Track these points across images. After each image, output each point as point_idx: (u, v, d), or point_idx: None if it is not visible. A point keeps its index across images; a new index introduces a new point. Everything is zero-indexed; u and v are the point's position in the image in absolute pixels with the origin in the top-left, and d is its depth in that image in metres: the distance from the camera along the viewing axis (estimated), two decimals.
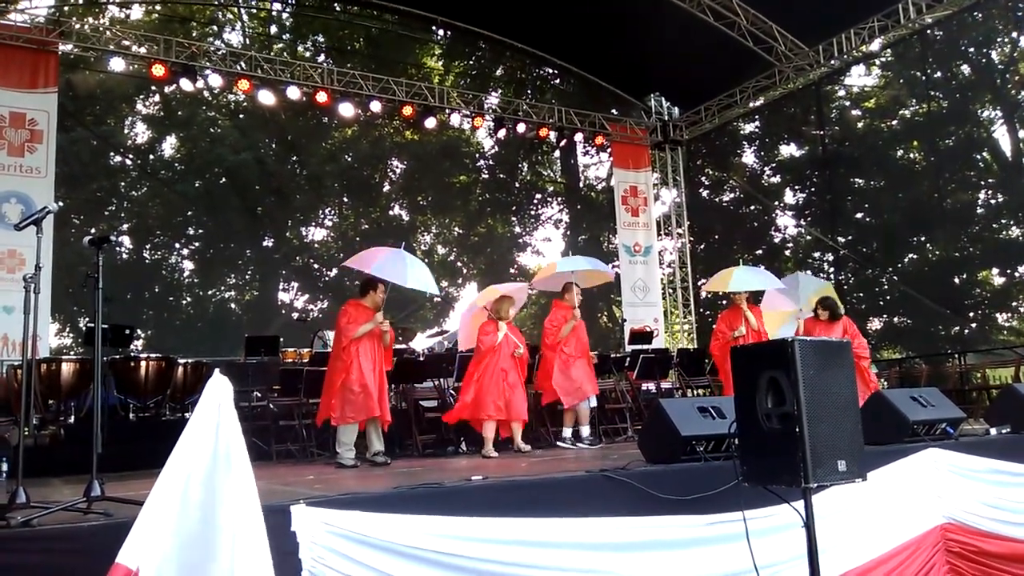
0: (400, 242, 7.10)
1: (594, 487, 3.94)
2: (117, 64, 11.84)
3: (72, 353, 13.44)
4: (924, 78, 14.95)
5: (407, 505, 3.34)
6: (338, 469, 6.13)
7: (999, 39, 15.26)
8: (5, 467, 6.30)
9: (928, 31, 13.08)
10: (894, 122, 16.98)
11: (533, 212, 22.19)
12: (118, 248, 17.65)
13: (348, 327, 6.42)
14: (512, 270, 22.16)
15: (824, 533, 3.44)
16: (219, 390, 2.06)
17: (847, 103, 17.81)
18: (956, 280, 14.87)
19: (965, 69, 15.52)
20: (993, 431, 5.94)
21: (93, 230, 16.07)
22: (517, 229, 21.99)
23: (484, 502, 3.56)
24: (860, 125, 17.53)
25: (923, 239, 15.71)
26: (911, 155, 16.56)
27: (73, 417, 7.92)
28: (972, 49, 15.23)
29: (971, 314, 14.84)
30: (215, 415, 2.04)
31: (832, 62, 13.26)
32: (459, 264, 21.65)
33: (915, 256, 16.05)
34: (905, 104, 16.64)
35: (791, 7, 12.39)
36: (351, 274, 20.15)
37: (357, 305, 6.64)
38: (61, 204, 4.82)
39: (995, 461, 5.24)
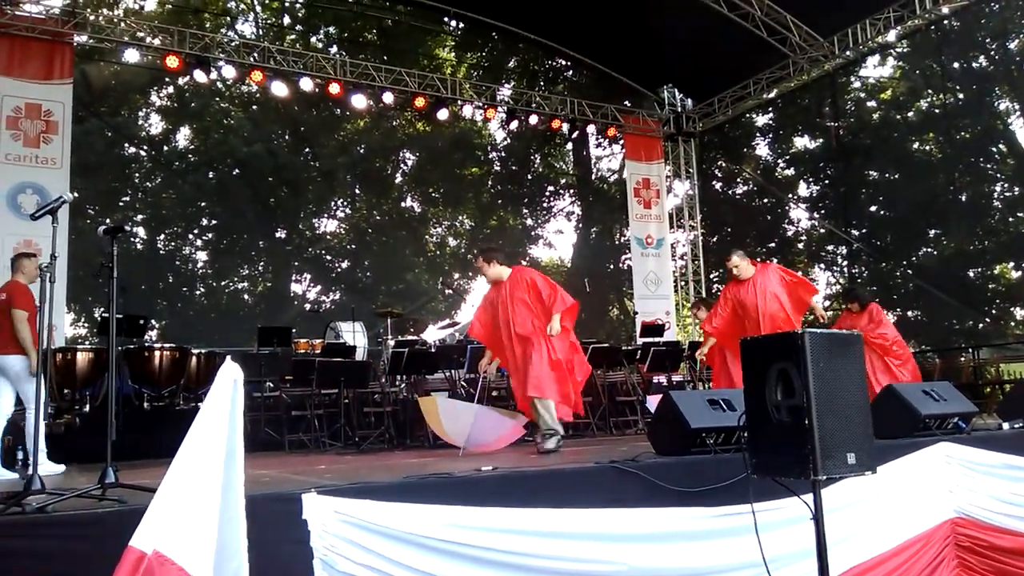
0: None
1: (604, 478, 3.96)
2: (131, 56, 11.89)
3: (87, 343, 13.56)
4: (940, 69, 14.82)
5: (418, 494, 3.36)
6: (357, 457, 5.97)
7: (1016, 30, 15.09)
8: (20, 456, 6.39)
9: (944, 22, 12.95)
10: (909, 114, 16.84)
11: (545, 204, 22.16)
12: (132, 239, 17.77)
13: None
14: (524, 262, 22.14)
15: (833, 526, 3.44)
16: (231, 376, 2.09)
17: (862, 94, 17.67)
18: (971, 274, 14.76)
19: (982, 60, 15.37)
20: (1006, 426, 5.92)
21: (108, 220, 16.19)
22: (529, 221, 21.97)
23: (494, 492, 3.58)
24: (875, 117, 17.40)
25: (938, 232, 15.60)
26: (926, 147, 16.43)
27: (88, 406, 8.00)
28: (989, 40, 15.07)
29: (986, 308, 14.74)
30: (228, 401, 2.06)
31: (847, 53, 13.16)
32: (470, 257, 21.65)
33: (929, 249, 15.94)
34: (921, 95, 16.50)
35: None
36: (362, 266, 20.26)
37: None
38: (76, 194, 4.86)
39: (1007, 456, 5.21)
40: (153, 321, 14.47)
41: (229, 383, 2.06)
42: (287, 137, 19.43)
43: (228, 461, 2.03)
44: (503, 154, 21.48)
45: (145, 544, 1.86)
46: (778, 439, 3.29)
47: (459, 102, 13.65)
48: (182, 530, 1.88)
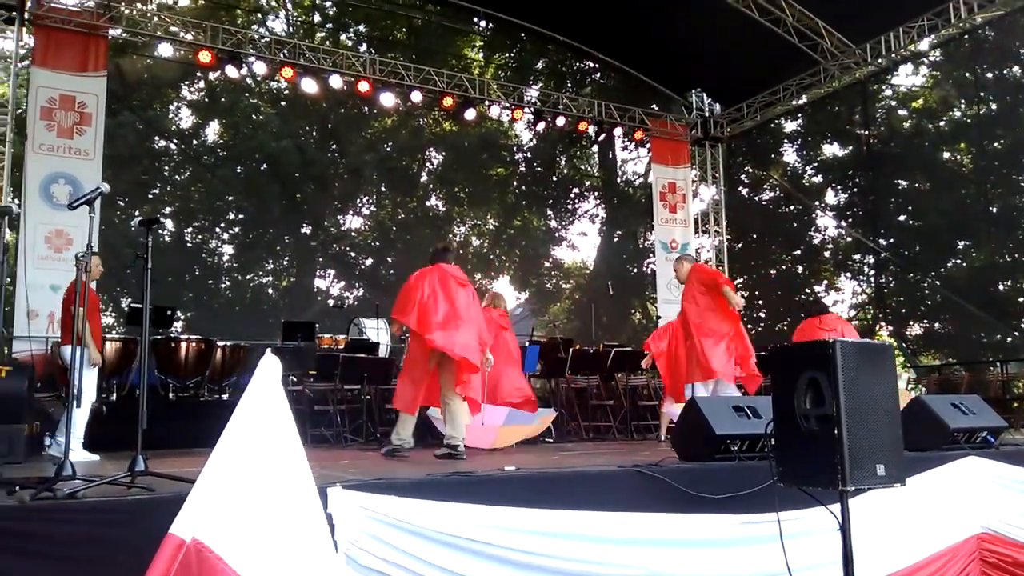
0: None
1: (627, 482, 3.96)
2: (165, 50, 12.02)
3: (114, 332, 13.72)
4: (973, 79, 14.63)
5: (441, 492, 3.38)
6: (388, 458, 5.92)
7: None
8: (48, 441, 6.47)
9: (979, 31, 12.79)
10: (941, 123, 16.63)
11: (569, 206, 22.11)
12: (161, 232, 17.96)
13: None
14: (547, 263, 22.14)
15: (859, 538, 3.40)
16: (271, 369, 2.11)
17: (893, 103, 17.47)
18: (1000, 287, 14.56)
19: (1016, 71, 15.16)
20: None
21: (137, 213, 16.37)
22: (553, 223, 21.94)
23: (517, 492, 3.59)
24: (906, 126, 17.20)
25: (967, 244, 15.39)
26: (957, 157, 16.22)
27: (115, 395, 8.10)
28: None
29: (1015, 322, 14.52)
30: (269, 394, 2.08)
31: (879, 61, 13.02)
32: (492, 257, 21.68)
33: (959, 261, 15.73)
34: (953, 105, 16.29)
35: (839, 4, 12.17)
36: (386, 263, 20.34)
37: None
38: (109, 187, 4.91)
39: None
40: (179, 312, 14.61)
41: (270, 375, 2.09)
42: (315, 134, 19.55)
43: (274, 453, 2.04)
44: (529, 155, 21.47)
45: (185, 532, 1.88)
46: (806, 448, 3.27)
47: (486, 102, 13.67)
48: (222, 520, 1.90)
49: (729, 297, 6.95)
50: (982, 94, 14.96)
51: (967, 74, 14.95)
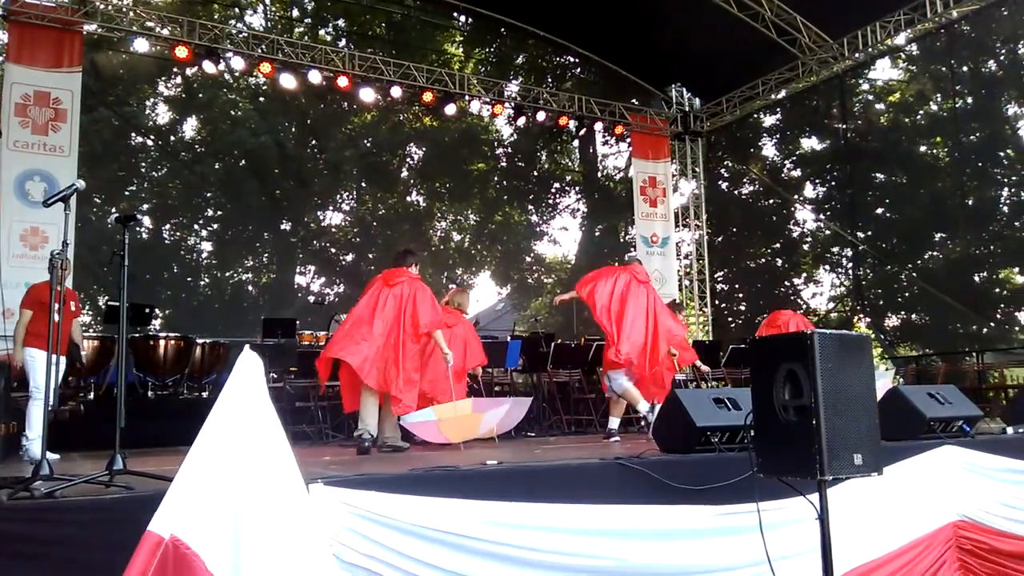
0: None
1: (608, 475, 3.97)
2: (141, 45, 11.88)
3: (91, 331, 13.57)
4: (949, 73, 14.77)
5: (423, 487, 3.38)
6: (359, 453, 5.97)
7: None
8: (25, 443, 6.39)
9: (955, 25, 12.92)
10: (918, 117, 16.79)
11: (551, 201, 22.12)
12: (138, 229, 17.78)
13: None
14: (528, 258, 22.14)
15: (838, 526, 3.44)
16: (250, 365, 2.10)
17: (870, 97, 17.61)
18: (976, 278, 14.72)
19: (991, 64, 15.32)
20: (1010, 430, 5.93)
21: (114, 210, 16.21)
22: (534, 218, 21.95)
23: (498, 486, 3.59)
24: (883, 119, 17.35)
25: (944, 236, 15.56)
26: (934, 151, 16.38)
27: (93, 394, 8.03)
28: (999, 44, 15.02)
29: (991, 312, 14.70)
30: (249, 390, 2.07)
31: (856, 55, 13.14)
32: (473, 252, 21.66)
33: (936, 253, 15.91)
34: (929, 99, 16.45)
35: None
36: (367, 259, 20.26)
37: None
38: (84, 183, 4.86)
39: (1011, 460, 5.23)
40: (157, 310, 14.49)
41: (250, 371, 2.07)
42: (294, 130, 19.42)
43: (255, 449, 2.03)
44: (509, 150, 21.44)
45: (163, 529, 1.87)
46: (785, 439, 3.30)
47: (467, 97, 13.66)
48: (199, 517, 1.89)
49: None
50: (958, 88, 15.09)
51: (943, 68, 15.09)
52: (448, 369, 6.73)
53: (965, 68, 15.03)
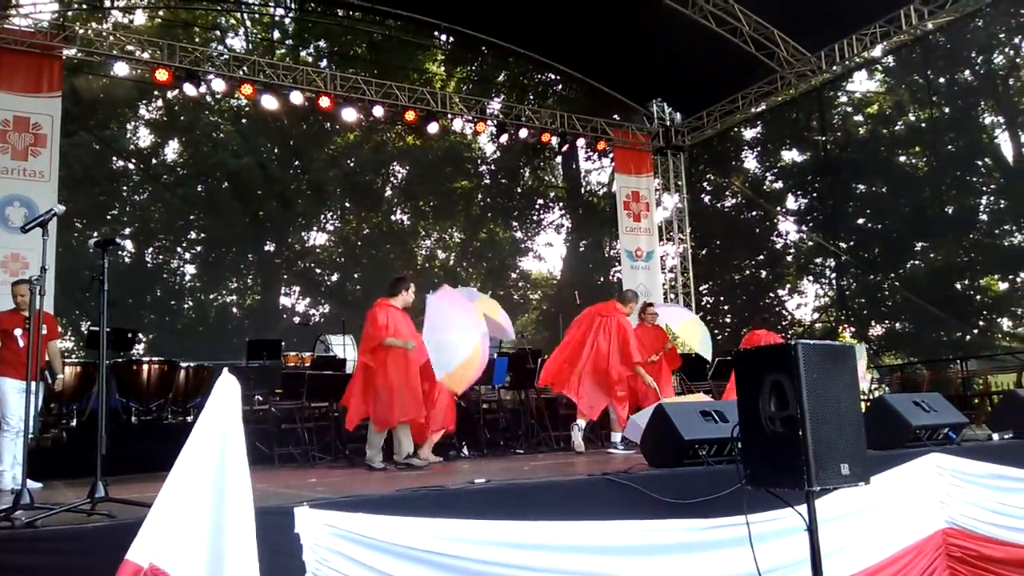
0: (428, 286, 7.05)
1: (597, 490, 3.95)
2: (121, 69, 11.84)
3: (73, 356, 13.43)
4: (926, 84, 14.98)
5: (410, 507, 3.34)
6: (347, 471, 6.02)
7: (1001, 45, 15.28)
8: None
9: (930, 37, 13.09)
10: (897, 127, 17.00)
11: (535, 217, 22.21)
12: (120, 252, 17.66)
13: (382, 331, 6.30)
14: (513, 275, 22.16)
15: (827, 537, 3.44)
16: (228, 389, 2.08)
17: (849, 109, 17.83)
18: (958, 286, 14.88)
19: (967, 75, 15.54)
20: (995, 436, 5.94)
21: (96, 234, 16.11)
22: (519, 235, 22.00)
23: (487, 505, 3.56)
24: (862, 131, 17.55)
25: (925, 245, 15.71)
26: (913, 161, 16.57)
27: (75, 420, 7.93)
28: (974, 55, 15.25)
29: (973, 320, 14.83)
30: (224, 414, 2.05)
31: (834, 68, 13.28)
32: (459, 269, 21.66)
33: (917, 262, 16.06)
34: (907, 110, 16.66)
35: (793, 13, 12.40)
36: (352, 279, 20.22)
37: (389, 306, 6.51)
38: (63, 207, 4.84)
39: (997, 466, 5.24)
40: (141, 335, 14.38)
41: (226, 395, 2.05)
42: (277, 151, 19.42)
43: (226, 474, 2.01)
44: (493, 167, 21.53)
45: (141, 558, 1.84)
46: (772, 450, 3.29)
47: (449, 116, 13.67)
48: (178, 544, 1.86)
49: None
50: (935, 98, 15.32)
51: (919, 79, 15.30)
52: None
53: (941, 79, 15.25)
